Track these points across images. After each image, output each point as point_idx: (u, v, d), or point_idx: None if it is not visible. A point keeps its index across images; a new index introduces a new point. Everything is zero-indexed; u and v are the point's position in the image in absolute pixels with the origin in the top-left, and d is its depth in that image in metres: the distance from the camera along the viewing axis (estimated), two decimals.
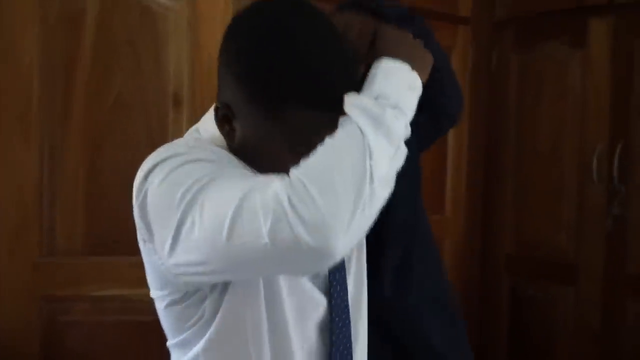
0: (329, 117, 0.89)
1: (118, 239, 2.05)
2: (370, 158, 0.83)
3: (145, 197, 0.93)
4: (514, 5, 2.82)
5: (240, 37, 0.93)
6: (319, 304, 1.06)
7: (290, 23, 0.91)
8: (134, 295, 2.04)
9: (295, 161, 0.85)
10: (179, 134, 2.08)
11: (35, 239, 1.98)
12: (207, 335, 1.00)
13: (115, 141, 2.04)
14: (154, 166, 0.93)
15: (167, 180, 0.90)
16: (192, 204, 0.85)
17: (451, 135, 2.86)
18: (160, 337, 2.15)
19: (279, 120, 0.90)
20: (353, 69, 0.94)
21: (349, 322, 1.10)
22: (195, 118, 2.07)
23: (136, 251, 2.08)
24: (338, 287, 1.08)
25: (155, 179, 0.91)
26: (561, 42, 2.69)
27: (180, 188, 0.87)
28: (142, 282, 2.12)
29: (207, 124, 1.04)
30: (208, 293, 0.97)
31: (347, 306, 1.09)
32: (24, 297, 1.98)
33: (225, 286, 0.97)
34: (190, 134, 1.07)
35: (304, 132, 0.90)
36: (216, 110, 0.97)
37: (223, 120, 0.96)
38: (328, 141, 0.85)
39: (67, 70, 1.99)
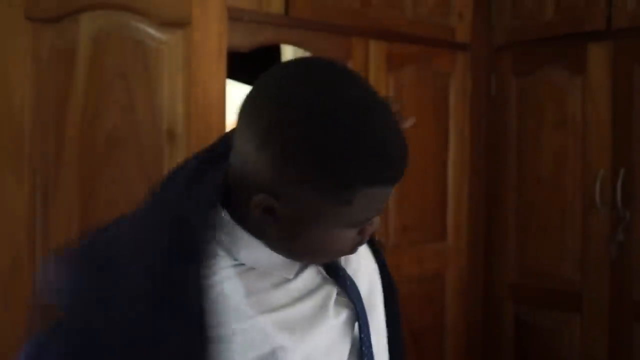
0: (391, 189, 0.87)
1: None
2: None
3: None
4: (513, 31, 2.81)
5: (296, 118, 0.82)
6: None
7: (347, 95, 0.84)
8: None
9: (351, 236, 0.89)
10: None
11: (28, 282, 1.94)
12: None
13: (109, 178, 2.00)
14: None
15: None
16: None
17: (452, 162, 2.84)
18: None
19: (350, 203, 0.85)
20: (400, 131, 0.88)
21: None
22: (190, 153, 2.06)
23: None
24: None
25: None
26: (561, 68, 2.67)
27: None
28: None
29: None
30: None
31: None
32: (18, 344, 1.94)
33: None
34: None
35: (369, 207, 0.87)
36: (257, 203, 0.87)
37: (265, 211, 0.87)
38: None
39: (60, 106, 1.96)
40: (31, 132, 1.94)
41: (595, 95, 2.57)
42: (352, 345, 1.04)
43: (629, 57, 2.47)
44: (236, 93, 3.34)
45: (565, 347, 2.67)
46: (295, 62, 0.91)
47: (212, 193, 0.93)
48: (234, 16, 2.20)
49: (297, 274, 0.98)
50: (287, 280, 0.96)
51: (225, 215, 0.93)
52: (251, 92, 0.88)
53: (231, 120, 3.38)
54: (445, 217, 2.87)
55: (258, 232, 0.92)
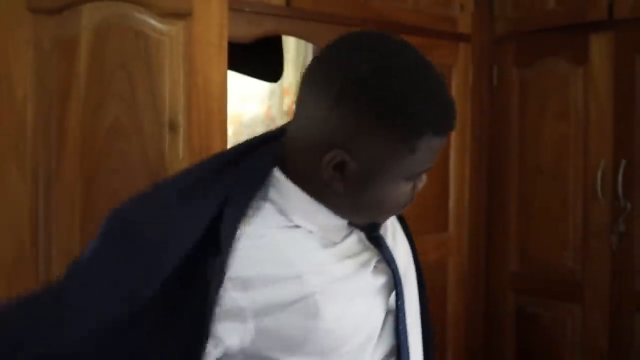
0: (444, 140, 0.99)
1: None
2: None
3: None
4: (514, 22, 2.80)
5: (365, 74, 0.93)
6: None
7: (408, 58, 0.97)
8: None
9: (408, 189, 1.01)
10: (176, 160, 2.07)
11: (32, 274, 1.95)
12: None
13: (110, 168, 2.01)
14: None
15: None
16: None
17: (453, 152, 2.84)
18: None
19: (412, 151, 0.96)
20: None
21: None
22: (191, 143, 2.08)
23: None
24: None
25: None
26: (562, 58, 2.67)
27: None
28: None
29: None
30: None
31: None
32: None
33: None
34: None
35: (428, 156, 0.99)
36: (329, 159, 0.96)
37: (335, 168, 0.97)
38: None
39: (62, 96, 1.97)
40: (33, 122, 1.95)
41: (596, 86, 2.57)
42: (387, 315, 1.10)
43: (631, 48, 2.47)
44: (237, 84, 3.35)
45: (566, 337, 2.68)
46: (353, 34, 1.02)
47: (268, 158, 1.04)
48: (235, 7, 2.20)
49: (343, 239, 1.06)
50: (334, 244, 1.05)
51: (283, 179, 1.02)
52: (315, 64, 1.00)
53: (232, 110, 3.40)
54: (447, 207, 2.87)
55: (319, 195, 1.02)
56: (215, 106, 2.12)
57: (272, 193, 1.03)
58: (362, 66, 0.94)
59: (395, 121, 0.93)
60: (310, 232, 1.03)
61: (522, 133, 2.81)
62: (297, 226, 1.03)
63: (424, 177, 1.07)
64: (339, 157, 0.96)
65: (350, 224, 1.08)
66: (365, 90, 0.92)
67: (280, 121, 3.62)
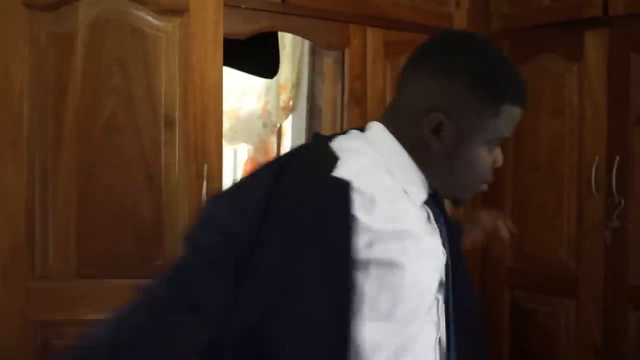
0: (520, 113, 1.17)
1: (111, 262, 2.05)
2: None
3: None
4: (510, 18, 2.81)
5: (461, 52, 1.14)
6: None
7: (489, 45, 1.18)
8: None
9: (488, 159, 1.18)
10: (171, 155, 2.09)
11: (27, 262, 1.98)
12: None
13: (107, 163, 2.03)
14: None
15: None
16: None
17: None
18: None
19: (498, 115, 1.13)
20: None
21: None
22: (187, 138, 2.09)
23: (129, 274, 2.09)
24: None
25: None
26: (557, 55, 2.67)
27: None
28: None
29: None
30: None
31: None
32: (17, 321, 1.97)
33: None
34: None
35: (508, 123, 1.16)
36: (430, 119, 1.12)
37: (435, 130, 1.13)
38: None
39: (58, 91, 1.99)
40: (30, 117, 1.97)
41: (591, 82, 2.58)
42: (439, 291, 1.19)
43: (625, 44, 2.48)
44: (234, 79, 3.37)
45: (561, 332, 2.69)
46: (448, 31, 1.36)
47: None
48: (231, 4, 2.22)
49: (420, 206, 1.18)
50: (416, 207, 1.18)
51: (390, 137, 1.17)
52: (418, 51, 1.18)
53: (229, 105, 3.41)
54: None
55: (417, 157, 1.17)
56: (211, 101, 2.14)
57: (376, 153, 1.16)
58: (461, 48, 1.15)
59: (485, 88, 1.11)
60: (405, 192, 1.15)
61: (517, 129, 2.81)
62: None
63: (501, 156, 1.23)
64: (438, 118, 1.12)
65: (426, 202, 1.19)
66: (463, 63, 1.12)
67: (276, 116, 3.63)
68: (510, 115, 1.15)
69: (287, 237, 1.02)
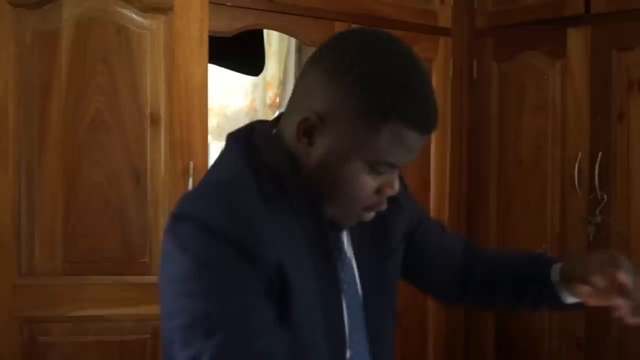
0: (418, 140, 0.98)
1: (97, 258, 2.06)
2: None
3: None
4: (494, 16, 2.83)
5: (352, 52, 0.99)
6: None
7: (398, 49, 1.01)
8: (114, 315, 2.05)
9: (370, 184, 1.00)
10: (157, 152, 2.10)
11: (14, 260, 1.98)
12: None
13: (92, 160, 2.04)
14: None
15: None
16: None
17: (434, 145, 2.87)
18: (141, 356, 2.16)
19: (378, 133, 0.96)
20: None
21: None
22: (172, 135, 2.10)
23: (116, 271, 2.10)
24: None
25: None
26: (541, 52, 2.70)
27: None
28: (123, 302, 2.14)
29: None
30: None
31: None
32: (3, 318, 1.98)
33: None
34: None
35: (394, 147, 0.97)
36: (303, 120, 1.00)
37: (305, 132, 1.00)
38: None
39: (43, 90, 2.00)
40: (15, 115, 1.98)
41: (574, 79, 2.60)
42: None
43: (607, 41, 2.50)
44: (221, 77, 3.38)
45: (544, 326, 2.72)
46: (353, 30, 1.10)
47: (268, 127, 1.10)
48: (217, 1, 2.23)
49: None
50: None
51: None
52: (317, 50, 1.04)
53: (216, 102, 3.42)
54: (428, 199, 2.91)
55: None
56: (196, 99, 2.15)
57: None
58: (354, 49, 0.99)
59: (366, 98, 0.95)
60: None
61: (501, 126, 2.85)
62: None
63: (395, 185, 1.04)
64: (310, 122, 0.99)
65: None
66: (349, 66, 0.97)
67: (263, 113, 3.64)
68: (397, 138, 0.97)
69: None
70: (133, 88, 2.06)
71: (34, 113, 1.99)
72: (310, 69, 1.03)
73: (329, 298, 1.06)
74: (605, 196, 2.51)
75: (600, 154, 2.51)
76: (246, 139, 1.08)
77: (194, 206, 0.98)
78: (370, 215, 1.07)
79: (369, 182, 1.01)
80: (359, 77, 0.96)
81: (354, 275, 1.13)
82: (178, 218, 0.97)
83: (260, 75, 3.50)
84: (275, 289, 0.96)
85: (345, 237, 1.13)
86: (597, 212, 2.53)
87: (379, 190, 1.03)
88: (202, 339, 0.90)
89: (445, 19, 2.85)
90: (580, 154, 2.57)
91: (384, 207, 1.06)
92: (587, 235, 2.56)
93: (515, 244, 2.79)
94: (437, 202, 2.92)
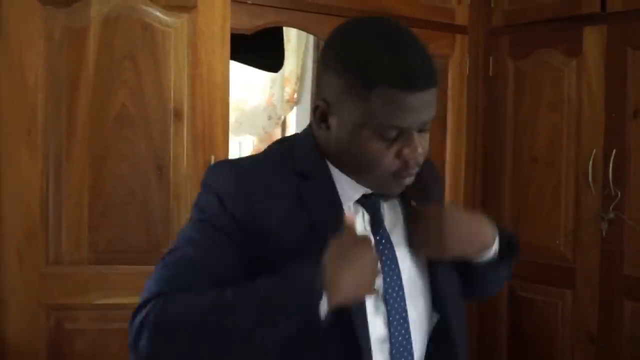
0: (409, 97, 1.03)
1: (122, 248, 2.11)
2: None
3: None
4: (510, 14, 2.85)
5: (339, 40, 1.10)
6: None
7: (380, 25, 1.09)
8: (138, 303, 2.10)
9: (384, 149, 1.07)
10: (180, 146, 2.16)
11: (41, 249, 2.04)
12: None
13: (117, 154, 2.10)
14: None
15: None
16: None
17: (449, 142, 2.90)
18: None
19: (369, 100, 1.04)
20: (430, 59, 1.07)
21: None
22: (195, 130, 2.16)
23: (139, 260, 2.16)
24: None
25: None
26: (557, 50, 2.72)
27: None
28: None
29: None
30: None
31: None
32: (31, 305, 2.04)
33: None
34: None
35: (388, 109, 1.04)
36: (315, 108, 1.12)
37: (320, 119, 1.12)
38: None
39: (71, 84, 2.05)
40: (44, 109, 2.03)
41: (589, 77, 2.63)
42: None
43: (623, 40, 2.52)
44: (240, 73, 3.43)
45: (557, 320, 2.74)
46: (352, 20, 1.15)
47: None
48: None
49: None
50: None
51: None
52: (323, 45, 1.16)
53: (235, 98, 3.46)
54: (443, 194, 2.93)
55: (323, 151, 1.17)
56: (218, 95, 2.20)
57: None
58: (341, 36, 1.11)
59: (351, 72, 1.05)
60: None
61: (516, 123, 2.87)
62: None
63: (414, 145, 1.08)
64: (321, 108, 1.11)
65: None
66: (336, 50, 1.09)
67: (281, 109, 3.69)
68: (387, 100, 1.03)
69: None
70: (157, 84, 2.12)
71: (62, 107, 2.05)
72: (319, 63, 1.16)
73: None
74: (619, 193, 2.53)
75: (614, 150, 2.53)
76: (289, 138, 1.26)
77: (215, 167, 1.21)
78: (405, 180, 1.14)
79: (384, 148, 1.08)
80: (343, 57, 1.07)
81: (393, 250, 1.18)
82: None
83: (279, 72, 3.54)
84: (246, 245, 1.09)
85: (385, 213, 1.20)
86: (611, 209, 2.55)
87: (398, 155, 1.09)
88: (171, 250, 1.11)
89: (461, 17, 2.88)
90: (594, 150, 2.59)
91: (413, 171, 1.12)
92: (601, 231, 2.58)
93: (530, 239, 2.81)
94: (452, 196, 2.95)
